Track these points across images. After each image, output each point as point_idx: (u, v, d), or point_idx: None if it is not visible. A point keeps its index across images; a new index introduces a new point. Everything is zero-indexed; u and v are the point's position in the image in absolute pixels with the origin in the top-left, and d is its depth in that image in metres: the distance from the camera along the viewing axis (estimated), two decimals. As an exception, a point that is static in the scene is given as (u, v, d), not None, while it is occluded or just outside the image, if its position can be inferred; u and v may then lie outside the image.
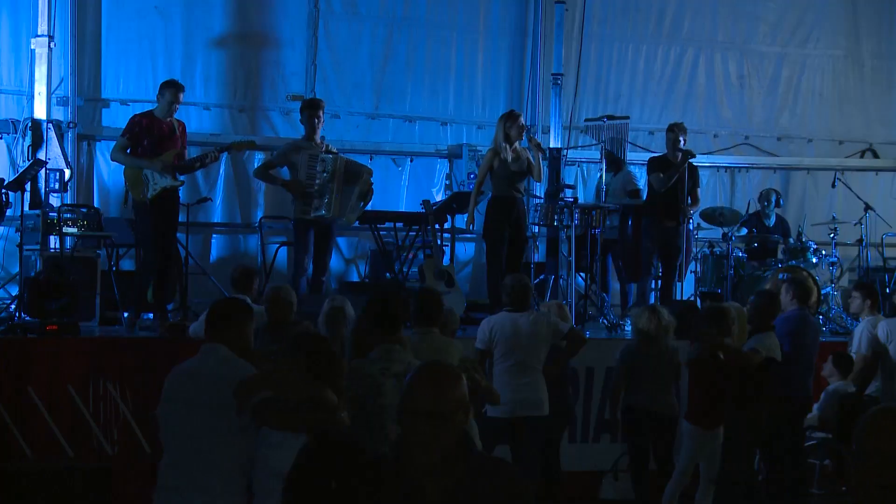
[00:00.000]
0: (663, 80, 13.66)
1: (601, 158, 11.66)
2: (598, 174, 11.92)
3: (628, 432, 7.93)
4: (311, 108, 9.75)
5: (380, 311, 5.43)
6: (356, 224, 11.52)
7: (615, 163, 11.77)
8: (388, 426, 4.94)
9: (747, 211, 12.38)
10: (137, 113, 9.54)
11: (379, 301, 5.51)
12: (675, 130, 11.01)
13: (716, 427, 7.53)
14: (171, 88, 9.28)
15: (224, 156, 10.32)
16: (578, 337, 7.62)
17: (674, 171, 10.75)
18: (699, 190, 11.22)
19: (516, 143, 10.00)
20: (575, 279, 10.91)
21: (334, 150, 9.82)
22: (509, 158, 9.92)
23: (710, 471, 7.62)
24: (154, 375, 7.09)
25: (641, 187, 11.70)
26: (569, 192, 11.38)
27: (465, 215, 11.92)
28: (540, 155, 10.21)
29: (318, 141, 9.73)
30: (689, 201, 10.87)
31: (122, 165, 9.45)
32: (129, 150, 9.23)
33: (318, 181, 9.46)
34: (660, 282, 11.14)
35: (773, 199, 12.45)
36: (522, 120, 10.17)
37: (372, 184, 9.92)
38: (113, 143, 11.37)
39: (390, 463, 3.01)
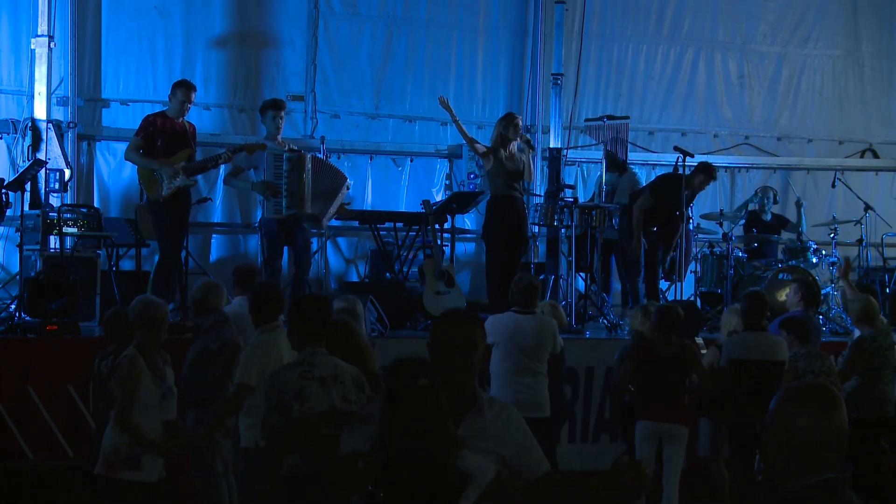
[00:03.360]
0: (663, 80, 13.66)
1: (602, 159, 11.70)
2: (598, 173, 11.93)
3: (629, 432, 7.93)
4: (275, 108, 9.85)
5: (300, 317, 5.09)
6: (356, 224, 11.56)
7: (620, 164, 11.78)
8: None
9: (746, 209, 12.39)
10: (151, 113, 9.59)
11: (304, 306, 5.19)
12: (710, 173, 10.89)
13: (663, 420, 7.52)
14: (183, 88, 9.34)
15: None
16: (559, 361, 7.67)
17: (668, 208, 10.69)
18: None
19: (512, 145, 10.06)
20: (575, 279, 10.91)
21: (296, 149, 9.88)
22: (504, 158, 9.98)
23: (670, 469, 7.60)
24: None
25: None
26: (569, 192, 11.37)
27: (466, 215, 11.97)
28: (530, 152, 10.26)
29: (281, 140, 9.84)
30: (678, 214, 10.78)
31: (127, 164, 9.52)
32: (142, 150, 9.27)
33: (285, 179, 9.52)
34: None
35: (772, 196, 12.47)
36: (519, 121, 10.21)
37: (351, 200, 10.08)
38: (113, 143, 11.51)
39: None
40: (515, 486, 3.51)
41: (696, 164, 10.91)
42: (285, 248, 9.77)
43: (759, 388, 7.45)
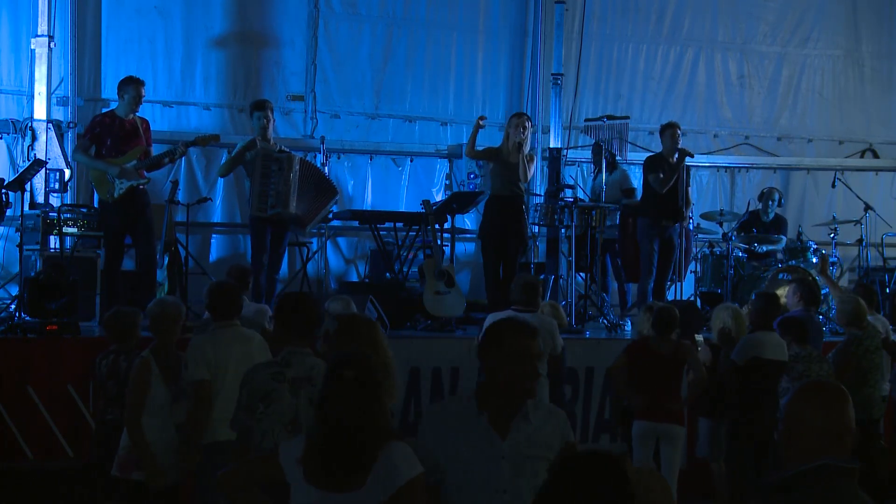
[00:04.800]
0: (663, 80, 13.66)
1: (592, 159, 11.71)
2: (592, 176, 11.95)
3: (629, 431, 7.93)
4: (258, 109, 9.88)
5: (289, 314, 4.92)
6: (356, 224, 11.57)
7: (610, 163, 11.78)
8: (276, 432, 4.57)
9: (747, 209, 12.38)
10: (99, 113, 9.56)
11: (289, 304, 5.03)
12: (674, 127, 10.89)
13: (658, 420, 7.51)
14: (133, 84, 9.26)
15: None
16: (560, 361, 7.66)
17: (672, 173, 10.68)
18: (691, 190, 11.11)
19: (519, 143, 10.04)
20: (575, 279, 10.91)
21: (286, 150, 9.90)
22: (506, 158, 10.00)
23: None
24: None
25: (636, 187, 11.69)
26: (569, 192, 11.37)
27: (466, 215, 11.97)
28: (523, 156, 10.18)
29: (272, 141, 9.85)
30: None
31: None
32: (94, 151, 9.22)
33: (273, 179, 9.52)
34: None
35: (777, 197, 12.41)
36: (524, 119, 10.17)
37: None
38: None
39: None
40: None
41: (700, 164, 10.92)
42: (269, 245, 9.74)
43: (766, 388, 7.47)
